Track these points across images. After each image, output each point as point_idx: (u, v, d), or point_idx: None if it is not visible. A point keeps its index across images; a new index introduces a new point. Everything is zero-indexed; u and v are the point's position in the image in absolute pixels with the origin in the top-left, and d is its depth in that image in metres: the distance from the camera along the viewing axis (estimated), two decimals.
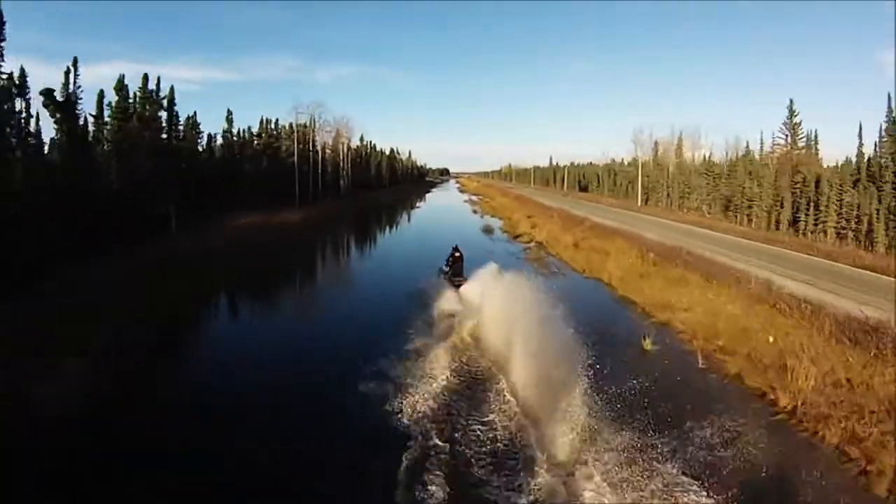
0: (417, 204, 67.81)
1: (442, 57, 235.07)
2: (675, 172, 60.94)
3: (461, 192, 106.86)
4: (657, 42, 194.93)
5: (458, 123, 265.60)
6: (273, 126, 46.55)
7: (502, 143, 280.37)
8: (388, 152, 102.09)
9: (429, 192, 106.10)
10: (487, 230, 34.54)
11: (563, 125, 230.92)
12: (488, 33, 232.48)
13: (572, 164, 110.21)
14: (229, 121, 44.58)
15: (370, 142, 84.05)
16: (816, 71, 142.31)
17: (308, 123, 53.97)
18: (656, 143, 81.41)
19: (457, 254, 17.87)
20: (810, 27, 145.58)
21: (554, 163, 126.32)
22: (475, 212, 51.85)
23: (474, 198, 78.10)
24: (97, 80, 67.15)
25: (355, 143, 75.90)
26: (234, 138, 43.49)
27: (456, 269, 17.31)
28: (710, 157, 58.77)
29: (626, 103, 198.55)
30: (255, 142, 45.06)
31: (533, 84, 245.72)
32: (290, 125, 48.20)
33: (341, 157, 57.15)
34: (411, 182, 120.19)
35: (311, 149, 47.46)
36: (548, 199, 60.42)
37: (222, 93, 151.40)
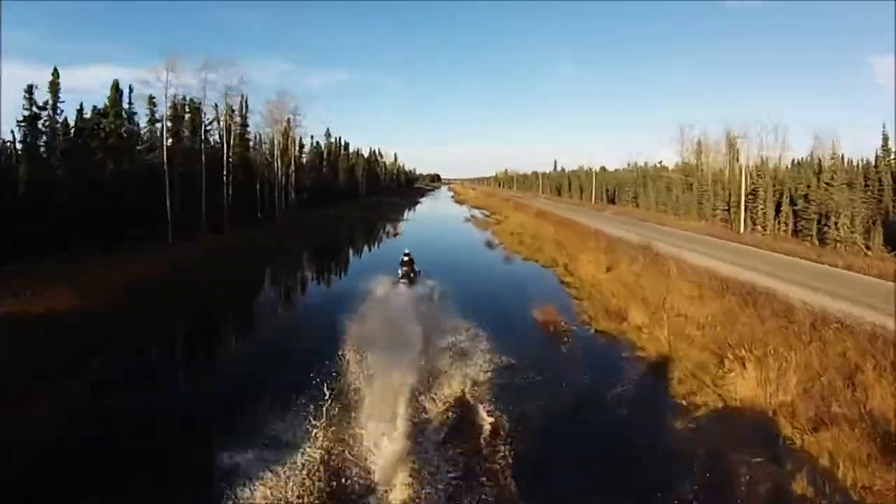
0: (398, 227, 46.46)
1: (432, 61, 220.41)
2: (768, 182, 42.06)
3: (458, 202, 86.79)
4: (653, 43, 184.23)
5: (449, 128, 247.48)
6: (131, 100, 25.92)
7: (495, 147, 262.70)
8: (367, 154, 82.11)
9: (418, 203, 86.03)
10: (557, 331, 14.03)
11: (559, 129, 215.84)
12: (479, 36, 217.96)
13: (579, 167, 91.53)
14: (54, 87, 24.36)
15: (339, 138, 64.02)
16: (807, 74, 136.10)
17: (236, 106, 33.84)
18: (700, 144, 63.36)
19: (406, 258, 17.78)
20: (799, 30, 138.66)
21: (559, 168, 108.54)
22: (491, 245, 31.67)
23: (477, 213, 58.31)
24: (84, 83, 52.29)
25: (318, 138, 55.94)
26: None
27: (405, 272, 17.26)
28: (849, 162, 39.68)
29: (625, 108, 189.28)
30: (100, 124, 24.75)
31: (525, 87, 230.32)
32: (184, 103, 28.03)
33: (276, 158, 36.77)
34: (397, 191, 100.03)
35: (202, 140, 27.08)
36: (592, 219, 40.90)
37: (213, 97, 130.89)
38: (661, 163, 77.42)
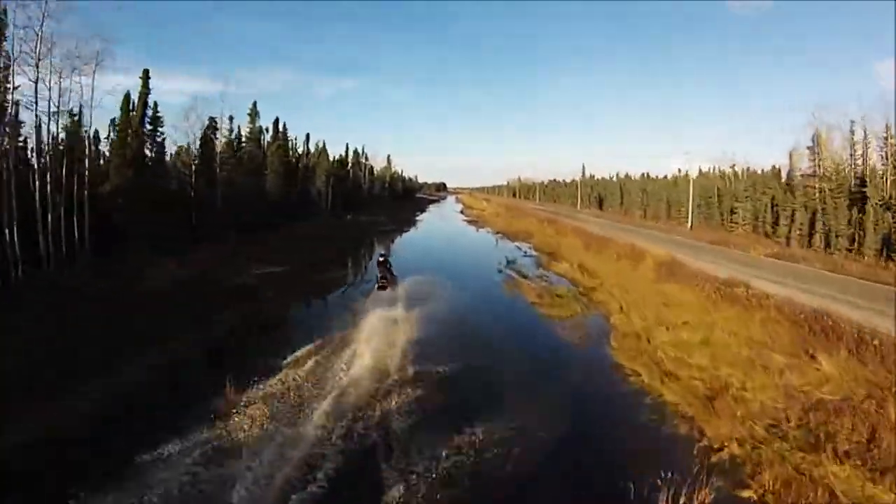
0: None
1: (436, 69, 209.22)
2: None
3: (471, 222, 61.49)
4: (653, 45, 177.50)
5: (454, 136, 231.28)
6: None
7: (501, 155, 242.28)
8: (343, 155, 57.73)
9: (415, 224, 61.10)
10: None
11: (566, 136, 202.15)
12: (485, 42, 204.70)
13: (616, 174, 67.20)
14: None
15: (277, 121, 39.10)
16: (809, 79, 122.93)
17: None
18: (819, 136, 39.33)
19: (381, 259, 18.37)
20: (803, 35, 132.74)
21: (587, 174, 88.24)
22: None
23: (513, 248, 33.51)
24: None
25: (239, 125, 31.43)
26: None
27: (382, 273, 17.60)
28: None
29: (633, 111, 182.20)
30: None
31: (531, 93, 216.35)
32: None
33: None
34: (388, 203, 75.45)
35: None
36: (777, 282, 16.05)
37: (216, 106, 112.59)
38: (733, 167, 54.05)
